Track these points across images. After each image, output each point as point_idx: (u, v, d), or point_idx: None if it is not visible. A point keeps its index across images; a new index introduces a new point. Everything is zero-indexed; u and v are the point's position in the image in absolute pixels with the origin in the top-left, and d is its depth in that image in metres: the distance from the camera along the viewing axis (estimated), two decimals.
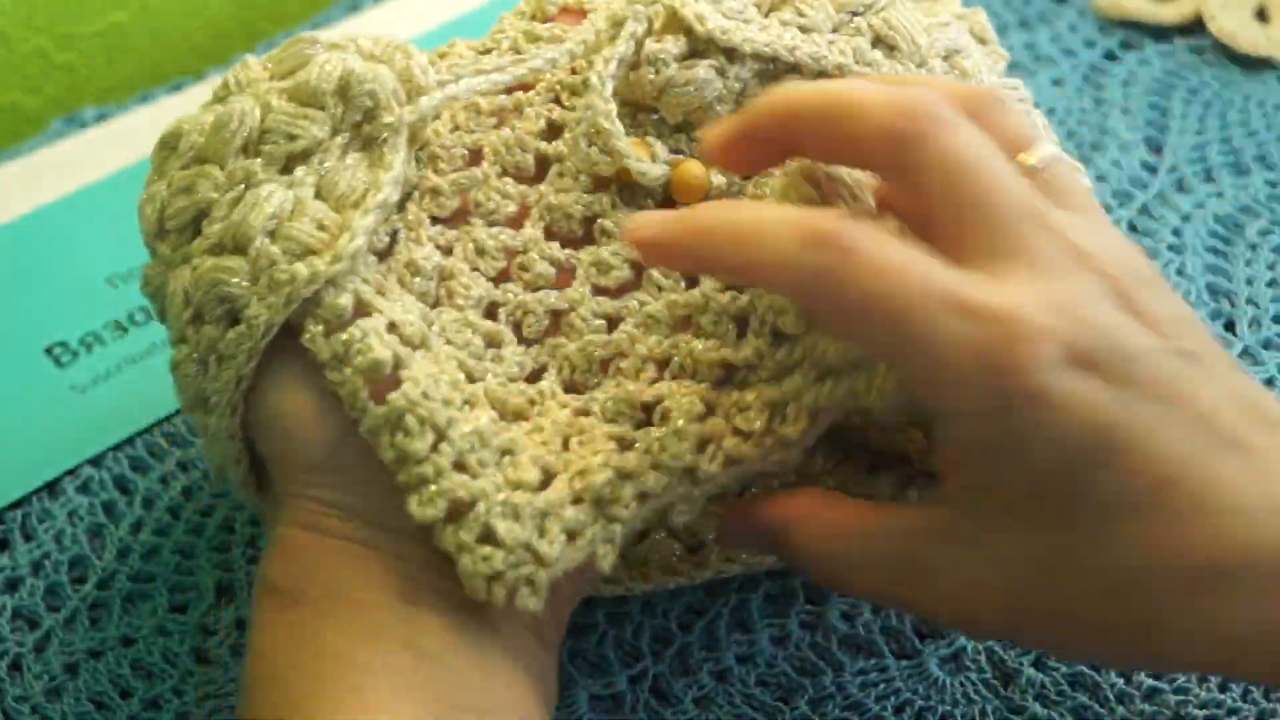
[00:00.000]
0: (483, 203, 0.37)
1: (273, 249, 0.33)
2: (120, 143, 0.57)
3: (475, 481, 0.31)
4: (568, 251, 0.36)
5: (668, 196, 0.37)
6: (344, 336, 0.32)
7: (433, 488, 0.31)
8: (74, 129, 0.58)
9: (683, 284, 0.36)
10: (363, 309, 0.33)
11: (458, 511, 0.31)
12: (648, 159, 0.37)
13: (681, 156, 0.37)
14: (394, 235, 0.35)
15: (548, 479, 0.32)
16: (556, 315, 0.36)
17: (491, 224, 0.37)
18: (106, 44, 0.66)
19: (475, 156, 0.37)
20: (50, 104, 0.65)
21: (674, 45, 0.36)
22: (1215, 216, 0.53)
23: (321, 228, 0.33)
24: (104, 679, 0.40)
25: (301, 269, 0.32)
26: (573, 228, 0.37)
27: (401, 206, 0.36)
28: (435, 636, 0.31)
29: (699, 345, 0.34)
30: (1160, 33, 0.62)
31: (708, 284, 0.35)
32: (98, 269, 0.52)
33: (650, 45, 0.36)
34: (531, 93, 0.38)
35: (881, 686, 0.39)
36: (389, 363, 0.32)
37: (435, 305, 0.35)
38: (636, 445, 0.33)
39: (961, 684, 0.39)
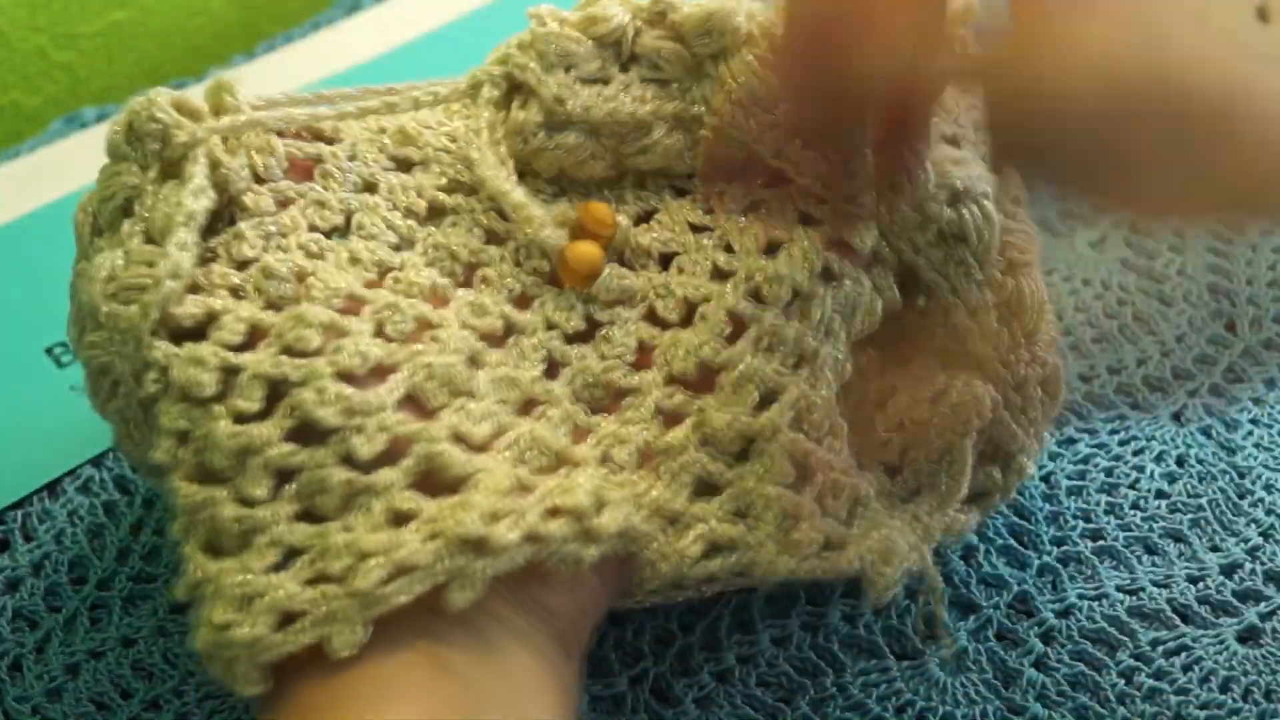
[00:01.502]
0: (366, 225, 0.36)
1: (114, 307, 0.33)
2: None
3: (211, 564, 0.31)
4: (445, 281, 0.35)
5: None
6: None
7: (182, 570, 0.32)
8: (74, 129, 0.58)
9: (539, 364, 0.35)
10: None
11: (194, 592, 0.31)
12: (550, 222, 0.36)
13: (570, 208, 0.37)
14: (266, 239, 0.34)
15: (289, 558, 0.31)
16: (423, 325, 0.34)
17: (369, 239, 0.36)
18: (106, 44, 0.66)
19: (370, 187, 0.37)
20: (50, 104, 0.65)
21: (536, 114, 0.36)
22: None
23: (150, 265, 0.33)
24: (105, 679, 0.40)
25: (134, 310, 0.33)
26: (455, 269, 0.36)
27: (284, 208, 0.35)
28: (459, 650, 0.31)
29: (541, 429, 0.34)
30: None
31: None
32: None
33: (516, 115, 0.36)
34: (429, 149, 0.38)
35: (883, 687, 0.39)
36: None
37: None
38: (423, 512, 0.31)
39: (963, 685, 0.39)
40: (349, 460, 0.31)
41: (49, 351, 0.49)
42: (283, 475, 0.31)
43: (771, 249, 0.36)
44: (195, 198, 0.34)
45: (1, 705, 0.39)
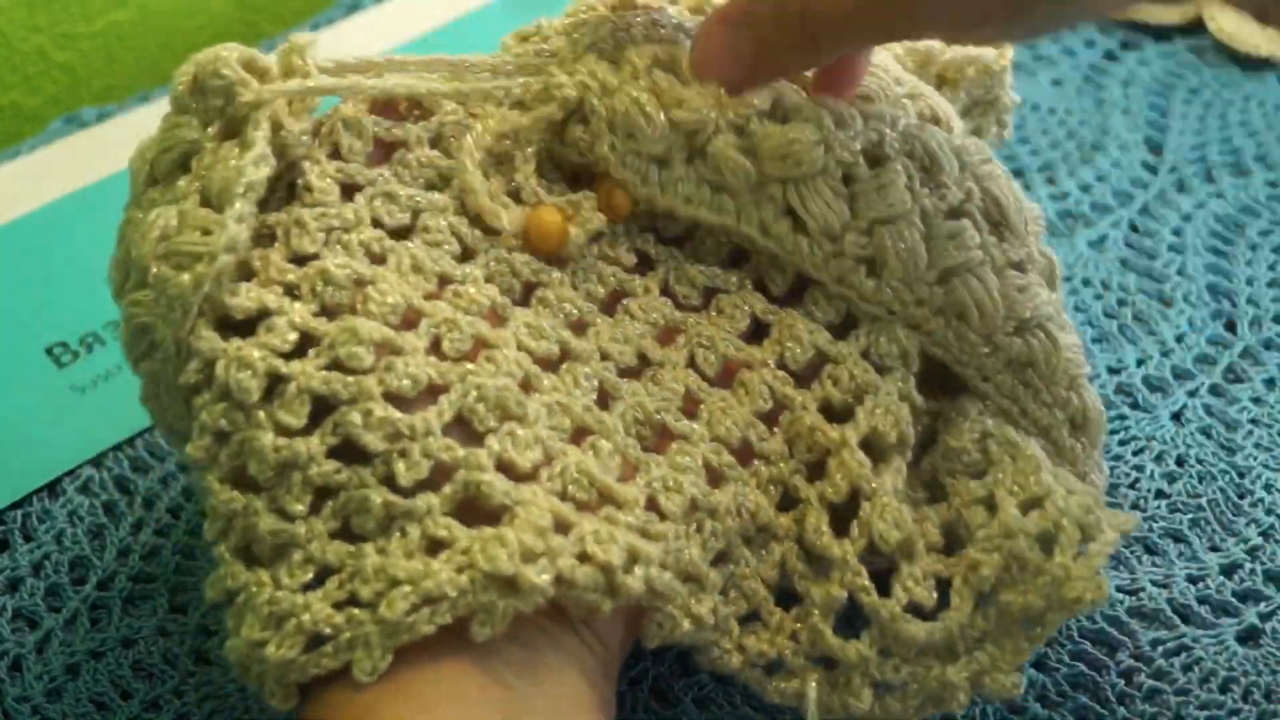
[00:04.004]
0: (431, 229, 0.35)
1: (164, 270, 0.32)
2: (120, 143, 0.57)
3: (246, 572, 0.31)
4: (505, 300, 0.35)
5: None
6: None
7: (217, 572, 0.31)
8: (74, 129, 0.58)
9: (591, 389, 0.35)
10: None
11: (229, 598, 0.31)
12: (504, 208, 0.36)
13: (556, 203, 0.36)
14: (328, 234, 0.34)
15: (323, 576, 0.31)
16: (480, 344, 0.33)
17: (433, 247, 0.35)
18: (106, 44, 0.66)
19: (444, 182, 0.36)
20: (50, 104, 0.65)
21: (586, 137, 0.36)
22: (1215, 216, 0.53)
23: (205, 231, 0.32)
24: (104, 680, 0.40)
25: (186, 279, 0.32)
26: (515, 285, 0.35)
27: (350, 195, 0.35)
28: (510, 663, 0.31)
29: (590, 462, 0.33)
30: (1160, 33, 0.62)
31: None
32: (98, 269, 0.51)
33: (573, 131, 0.36)
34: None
35: None
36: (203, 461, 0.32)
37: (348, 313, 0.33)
38: (457, 542, 0.30)
39: None
40: (390, 483, 0.31)
41: (49, 351, 0.49)
42: (323, 492, 0.31)
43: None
44: (256, 166, 0.32)
45: (1, 705, 0.39)
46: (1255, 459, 0.45)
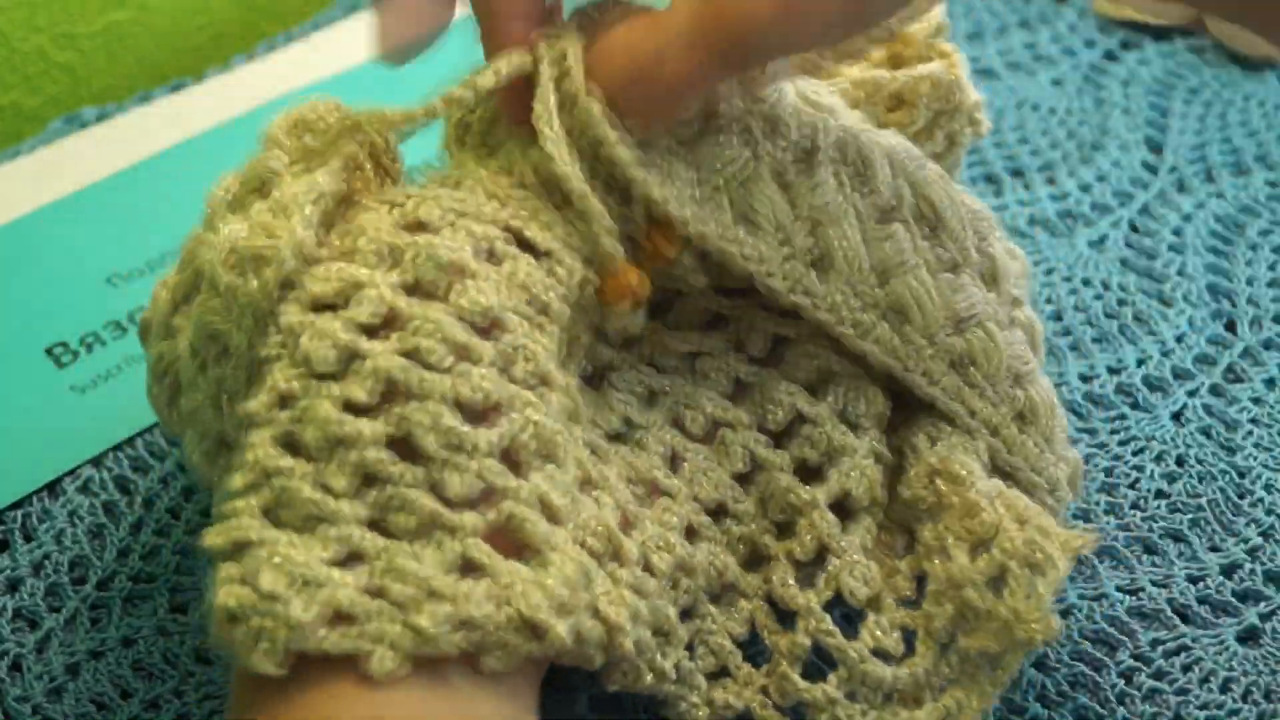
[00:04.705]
0: (564, 263, 0.34)
1: (233, 279, 0.32)
2: (120, 143, 0.57)
3: (269, 530, 0.30)
4: (558, 351, 0.34)
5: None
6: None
7: (231, 522, 0.30)
8: (74, 129, 0.58)
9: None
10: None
11: (239, 549, 0.30)
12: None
13: None
14: (458, 216, 0.33)
15: (349, 560, 0.30)
16: (542, 379, 0.33)
17: (551, 276, 0.34)
18: (106, 44, 0.66)
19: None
20: (50, 104, 0.65)
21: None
22: (1215, 216, 0.53)
23: (271, 234, 0.32)
24: (105, 679, 0.40)
25: (254, 286, 0.32)
26: (573, 351, 0.35)
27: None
28: (457, 664, 0.30)
29: (607, 514, 0.33)
30: (1160, 33, 0.62)
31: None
32: (98, 269, 0.52)
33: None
34: None
35: None
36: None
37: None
38: (496, 572, 0.30)
39: None
40: (436, 490, 0.30)
41: (49, 351, 0.49)
42: (368, 479, 0.30)
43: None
44: (328, 178, 0.33)
45: (1, 705, 0.39)
46: (1255, 459, 0.45)
